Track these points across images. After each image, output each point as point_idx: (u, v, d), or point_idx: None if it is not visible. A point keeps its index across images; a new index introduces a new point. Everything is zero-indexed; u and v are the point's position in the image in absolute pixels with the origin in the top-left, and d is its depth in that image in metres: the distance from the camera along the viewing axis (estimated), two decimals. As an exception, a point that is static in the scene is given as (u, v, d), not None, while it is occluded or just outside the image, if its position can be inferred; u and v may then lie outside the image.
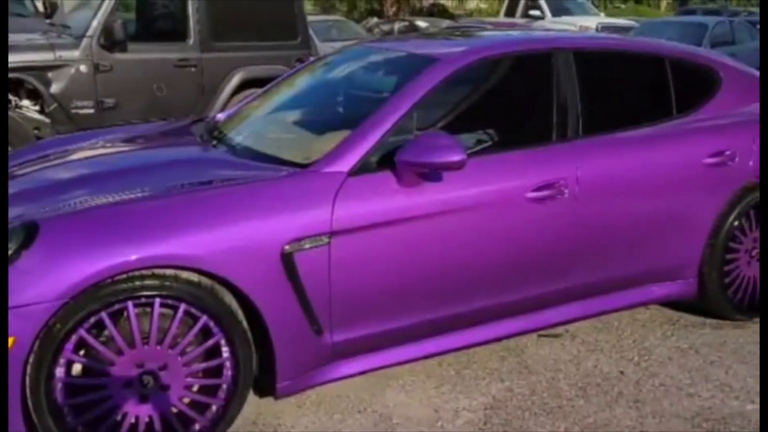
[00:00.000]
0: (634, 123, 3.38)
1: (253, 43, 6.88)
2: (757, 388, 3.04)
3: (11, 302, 2.22)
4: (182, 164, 3.08)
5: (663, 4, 35.75)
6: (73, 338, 2.34)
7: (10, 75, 5.70)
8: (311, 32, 7.62)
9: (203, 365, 2.54)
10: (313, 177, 2.70)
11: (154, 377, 2.47)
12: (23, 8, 10.57)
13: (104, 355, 2.40)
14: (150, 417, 2.48)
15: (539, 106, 3.26)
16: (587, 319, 3.42)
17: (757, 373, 3.18)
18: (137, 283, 2.38)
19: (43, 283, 2.26)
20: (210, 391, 2.57)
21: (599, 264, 3.25)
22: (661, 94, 3.51)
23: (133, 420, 2.46)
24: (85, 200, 2.58)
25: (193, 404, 2.55)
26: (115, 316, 2.39)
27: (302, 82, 3.88)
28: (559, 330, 3.50)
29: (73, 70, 6.01)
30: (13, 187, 2.85)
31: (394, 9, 25.67)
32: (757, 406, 2.88)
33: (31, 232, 2.34)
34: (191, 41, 6.56)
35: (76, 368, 2.42)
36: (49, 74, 5.96)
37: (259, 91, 4.09)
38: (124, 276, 2.36)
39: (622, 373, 3.20)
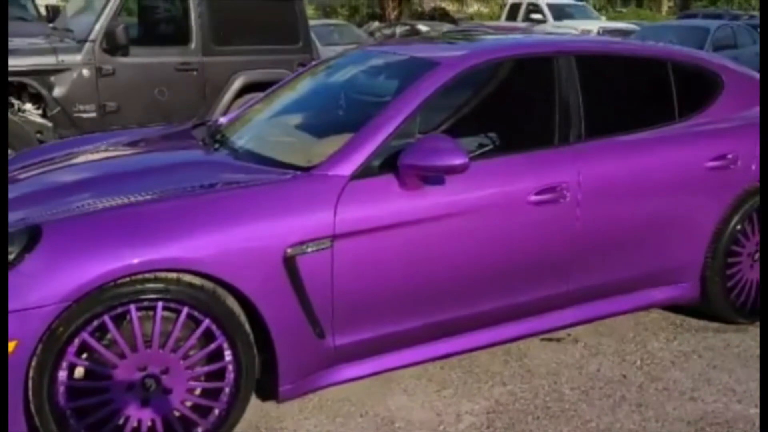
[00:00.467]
0: (636, 126, 3.37)
1: (255, 47, 6.88)
2: (760, 392, 3.04)
3: (14, 305, 2.22)
4: (184, 168, 3.08)
5: (664, 8, 35.81)
6: (76, 341, 2.34)
7: (13, 79, 5.71)
8: (313, 36, 7.62)
9: (206, 369, 2.54)
10: (315, 180, 2.70)
11: (157, 381, 2.46)
12: (26, 12, 10.59)
13: (107, 358, 2.40)
14: (152, 420, 2.48)
15: (541, 110, 3.26)
16: (590, 322, 3.41)
17: (760, 376, 3.18)
18: (140, 286, 2.38)
19: (46, 286, 2.26)
20: (212, 394, 2.57)
21: (601, 267, 3.24)
22: (663, 98, 3.51)
23: (135, 423, 2.46)
24: (88, 204, 2.58)
25: (196, 408, 2.55)
26: (118, 320, 2.39)
27: (304, 85, 3.88)
28: (562, 334, 3.50)
29: (75, 74, 6.02)
30: (15, 191, 2.85)
31: (395, 13, 25.72)
32: (760, 410, 2.88)
33: (34, 235, 2.34)
34: (193, 45, 6.56)
35: (79, 371, 2.42)
36: (52, 78, 5.96)
37: (261, 94, 4.09)
38: (127, 279, 2.36)
39: (624, 376, 3.20)
